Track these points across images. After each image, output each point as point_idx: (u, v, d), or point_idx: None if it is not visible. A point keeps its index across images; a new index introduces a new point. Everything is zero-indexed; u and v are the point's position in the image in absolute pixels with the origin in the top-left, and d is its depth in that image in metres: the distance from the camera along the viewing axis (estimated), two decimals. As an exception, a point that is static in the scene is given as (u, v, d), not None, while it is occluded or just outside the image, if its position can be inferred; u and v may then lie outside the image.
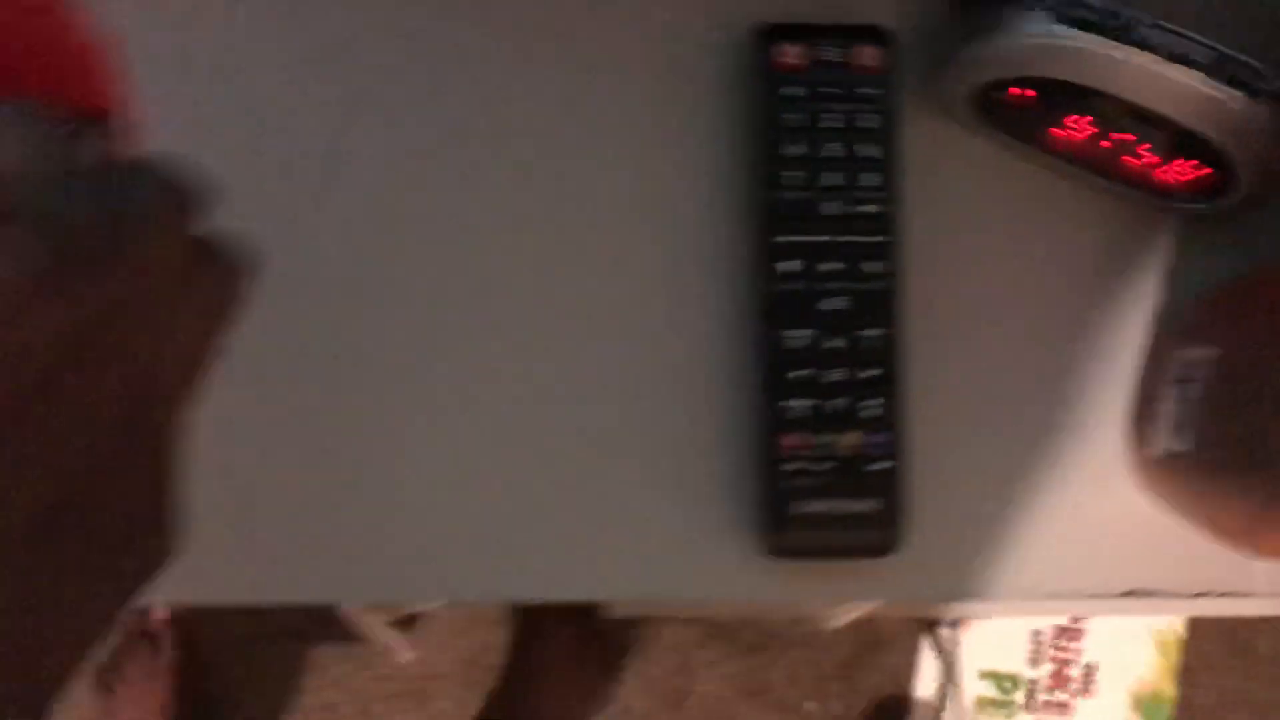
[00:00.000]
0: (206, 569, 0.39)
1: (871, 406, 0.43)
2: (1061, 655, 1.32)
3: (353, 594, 0.47)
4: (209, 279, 0.27)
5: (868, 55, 0.43)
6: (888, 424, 0.43)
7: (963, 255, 0.45)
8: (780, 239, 0.43)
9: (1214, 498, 0.42)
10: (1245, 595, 0.47)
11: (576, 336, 0.44)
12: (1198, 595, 0.46)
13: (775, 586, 0.44)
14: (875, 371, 0.43)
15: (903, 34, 0.44)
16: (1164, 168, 0.43)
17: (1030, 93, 0.42)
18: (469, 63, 0.44)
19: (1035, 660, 1.30)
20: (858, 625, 1.26)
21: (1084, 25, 0.39)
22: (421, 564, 0.43)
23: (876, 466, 0.43)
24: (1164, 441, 0.43)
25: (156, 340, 0.26)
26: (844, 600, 0.47)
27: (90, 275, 0.22)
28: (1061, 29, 0.40)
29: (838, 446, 0.43)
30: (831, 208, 0.43)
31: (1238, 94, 0.39)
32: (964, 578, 0.45)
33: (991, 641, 1.31)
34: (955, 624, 1.29)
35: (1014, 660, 1.30)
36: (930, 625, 1.29)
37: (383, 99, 0.45)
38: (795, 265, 0.43)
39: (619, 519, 0.44)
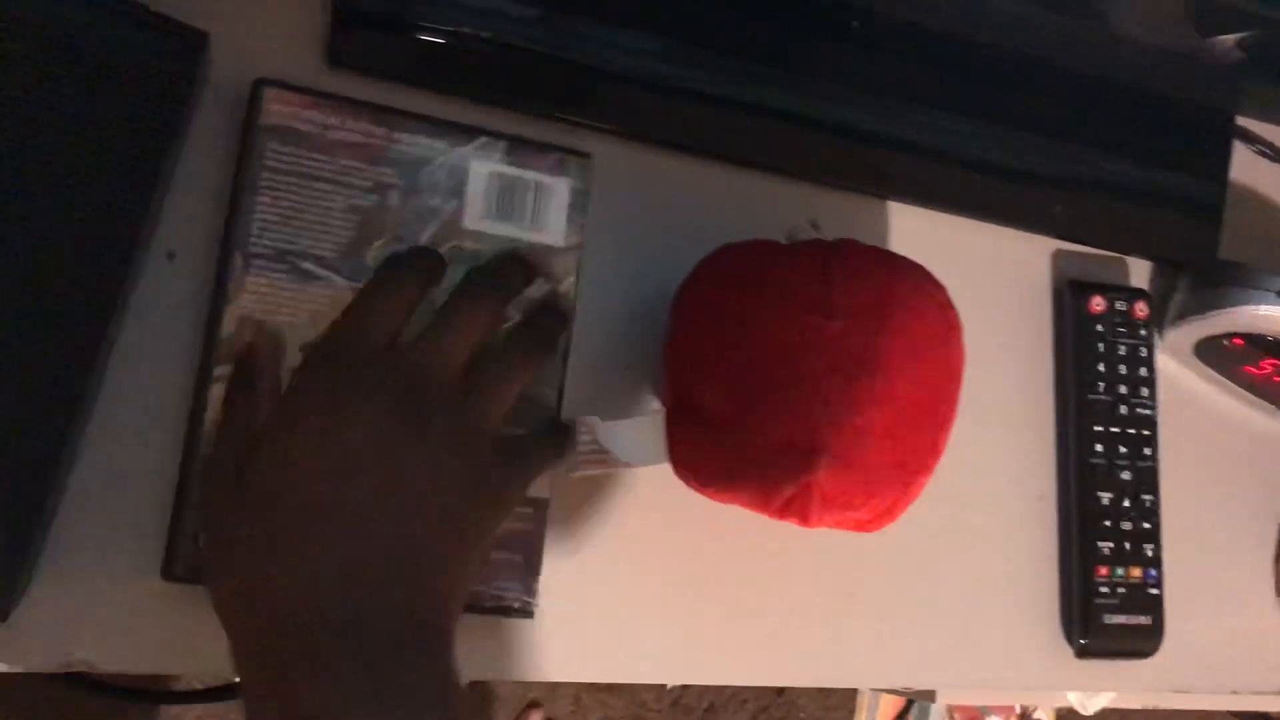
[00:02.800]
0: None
1: (1148, 549, 0.61)
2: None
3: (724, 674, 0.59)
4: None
5: (1140, 308, 0.64)
6: (1156, 562, 0.61)
7: (1189, 447, 0.65)
8: (1095, 428, 0.61)
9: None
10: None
11: (959, 491, 0.60)
12: (1320, 692, 0.66)
13: (1079, 679, 0.61)
14: (1148, 525, 0.62)
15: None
16: (1313, 397, 0.65)
17: (1240, 342, 0.64)
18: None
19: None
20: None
21: (1295, 305, 0.61)
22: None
23: (1151, 592, 0.61)
24: (1318, 581, 0.64)
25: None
26: (1118, 690, 0.64)
27: None
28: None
29: (1128, 576, 0.61)
30: (1123, 408, 0.62)
31: (1377, 355, 0.62)
32: (1186, 676, 0.63)
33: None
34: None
35: None
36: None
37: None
38: (1101, 447, 0.61)
39: (974, 627, 0.60)
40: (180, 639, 0.47)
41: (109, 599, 0.46)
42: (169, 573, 0.47)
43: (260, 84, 0.50)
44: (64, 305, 0.43)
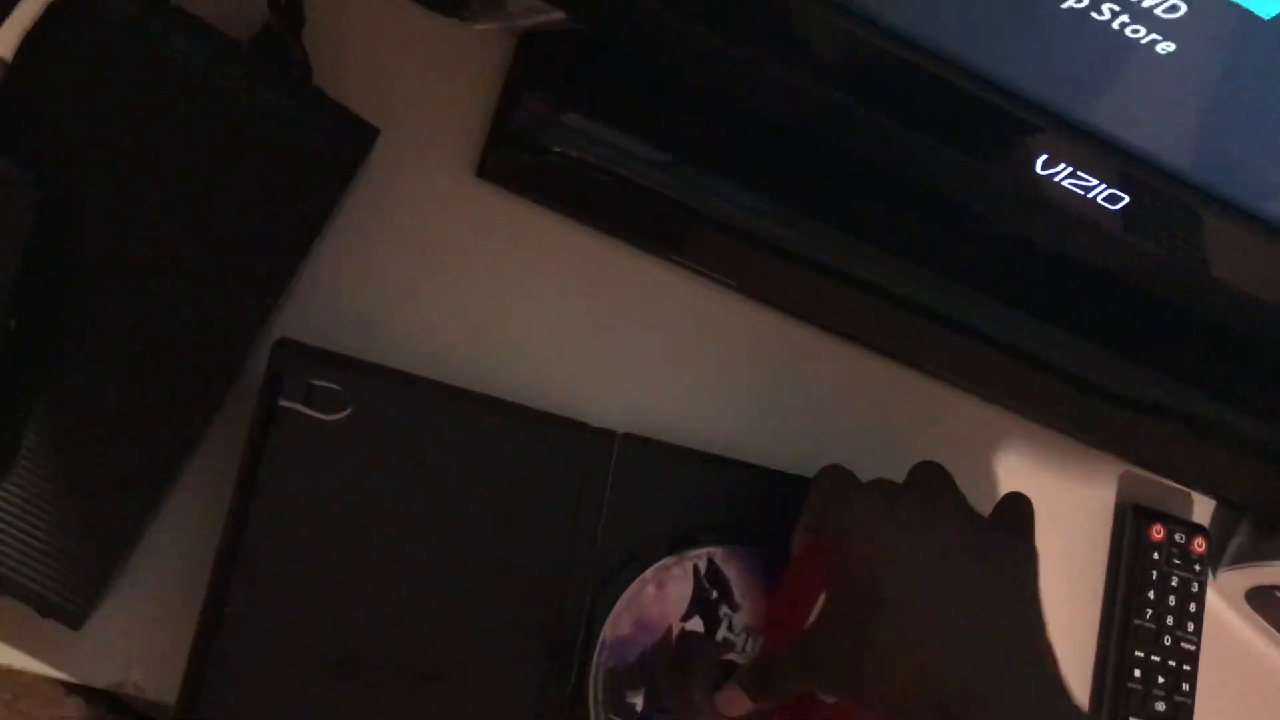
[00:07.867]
0: None
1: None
2: None
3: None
4: None
5: (1198, 544, 0.65)
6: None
7: (1228, 690, 0.65)
8: (1136, 653, 0.62)
9: None
10: None
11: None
12: None
13: None
14: (1175, 759, 0.62)
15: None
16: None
17: (1299, 588, 0.64)
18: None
19: None
20: None
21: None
22: None
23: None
24: None
25: None
26: None
27: None
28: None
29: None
30: (1168, 639, 0.63)
31: None
32: None
33: None
34: None
35: None
36: None
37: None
38: (1140, 673, 0.62)
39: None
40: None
41: (168, 628, 0.48)
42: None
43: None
44: (207, 351, 0.47)
